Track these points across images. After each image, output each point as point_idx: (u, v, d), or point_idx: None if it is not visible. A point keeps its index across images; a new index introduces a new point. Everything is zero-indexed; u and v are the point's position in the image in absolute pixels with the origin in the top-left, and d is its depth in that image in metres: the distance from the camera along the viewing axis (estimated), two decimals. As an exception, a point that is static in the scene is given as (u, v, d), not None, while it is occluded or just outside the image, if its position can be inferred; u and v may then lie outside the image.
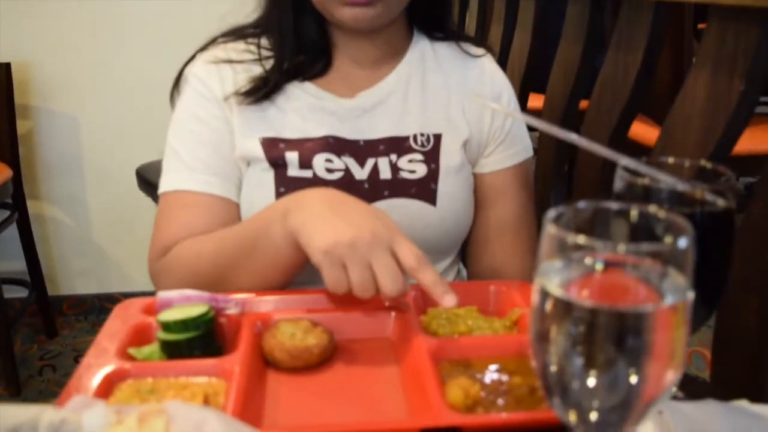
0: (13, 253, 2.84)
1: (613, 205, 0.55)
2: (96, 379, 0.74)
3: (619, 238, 0.55)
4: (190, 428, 0.59)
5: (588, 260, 0.52)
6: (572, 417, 0.54)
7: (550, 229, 0.52)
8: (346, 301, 0.90)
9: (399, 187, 1.07)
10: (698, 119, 0.88)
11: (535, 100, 1.79)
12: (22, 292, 2.87)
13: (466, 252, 1.22)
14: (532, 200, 1.19)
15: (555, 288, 0.51)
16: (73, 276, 3.09)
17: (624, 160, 0.67)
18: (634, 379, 0.50)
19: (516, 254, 1.16)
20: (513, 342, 0.81)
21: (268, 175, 1.05)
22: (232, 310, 0.85)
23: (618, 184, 0.68)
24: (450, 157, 1.10)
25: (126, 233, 3.00)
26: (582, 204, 0.55)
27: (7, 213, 2.71)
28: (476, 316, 0.89)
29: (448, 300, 0.81)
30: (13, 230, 2.73)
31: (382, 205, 1.05)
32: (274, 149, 1.06)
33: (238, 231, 0.97)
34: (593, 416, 0.53)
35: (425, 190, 1.08)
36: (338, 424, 0.70)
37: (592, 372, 0.51)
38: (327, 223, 0.82)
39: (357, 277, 0.80)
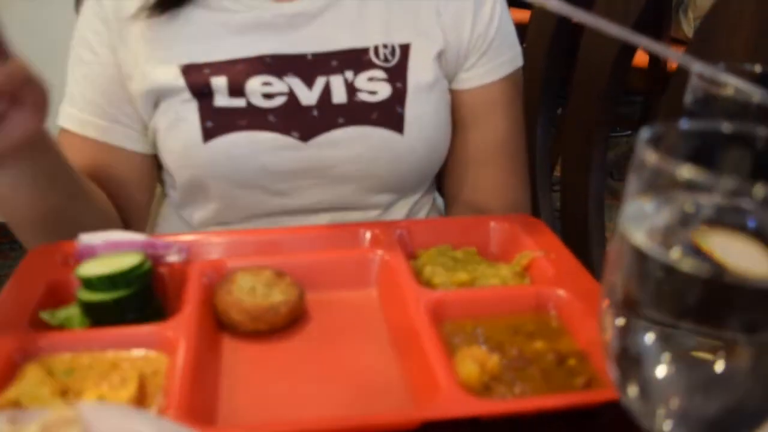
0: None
1: (730, 127, 0.37)
2: None
3: (740, 172, 0.37)
4: (114, 447, 0.40)
5: (699, 202, 0.35)
6: (659, 421, 0.37)
7: (647, 157, 0.34)
8: (318, 242, 0.71)
9: (357, 113, 0.87)
10: (748, 20, 0.70)
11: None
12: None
13: (441, 182, 1.03)
14: (522, 121, 1.00)
15: (646, 239, 0.34)
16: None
17: (697, 66, 0.48)
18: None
19: (502, 187, 0.98)
20: (529, 295, 0.64)
21: (190, 108, 0.85)
22: (173, 258, 0.67)
23: (691, 97, 0.50)
24: (420, 72, 0.90)
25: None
26: (685, 123, 0.37)
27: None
28: (477, 261, 0.71)
29: None
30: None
31: (337, 134, 0.86)
32: (195, 74, 0.86)
33: None
34: (693, 423, 0.36)
35: (390, 114, 0.88)
36: (316, 420, 0.52)
37: (699, 361, 0.35)
38: None
39: None
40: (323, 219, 0.90)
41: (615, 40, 0.95)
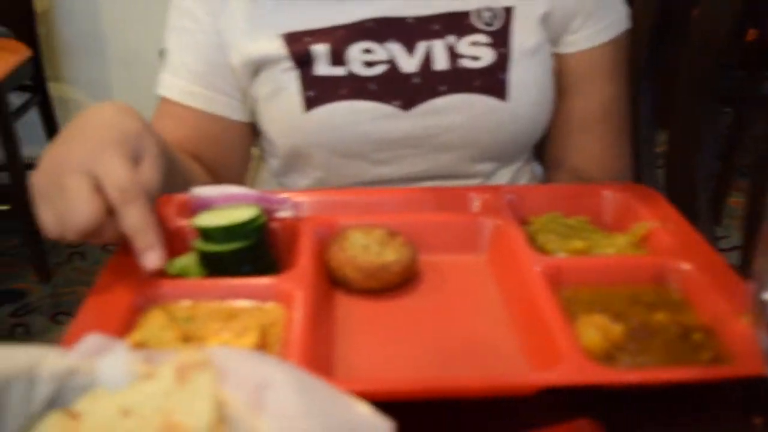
0: (35, 138, 2.65)
1: None
2: (117, 301, 0.56)
3: None
4: (249, 392, 0.40)
5: None
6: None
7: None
8: (427, 205, 0.70)
9: (459, 80, 0.85)
10: None
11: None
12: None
13: (541, 150, 1.00)
14: (626, 86, 0.96)
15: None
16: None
17: None
18: None
19: (605, 155, 0.95)
20: (649, 266, 0.62)
21: (291, 77, 0.84)
22: (285, 213, 0.67)
23: None
24: (524, 36, 0.87)
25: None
26: None
27: (27, 96, 2.52)
28: (591, 229, 0.69)
29: (148, 260, 0.58)
30: (35, 114, 2.55)
31: (439, 102, 0.84)
32: (296, 43, 0.85)
33: None
34: None
35: (493, 81, 0.85)
36: (434, 379, 0.51)
37: None
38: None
39: (44, 210, 0.60)
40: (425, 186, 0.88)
41: (732, 8, 0.90)
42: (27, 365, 0.42)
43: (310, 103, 0.83)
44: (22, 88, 2.52)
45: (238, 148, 0.93)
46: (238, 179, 0.94)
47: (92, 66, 2.76)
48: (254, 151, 0.98)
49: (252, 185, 0.99)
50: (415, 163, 0.87)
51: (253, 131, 0.93)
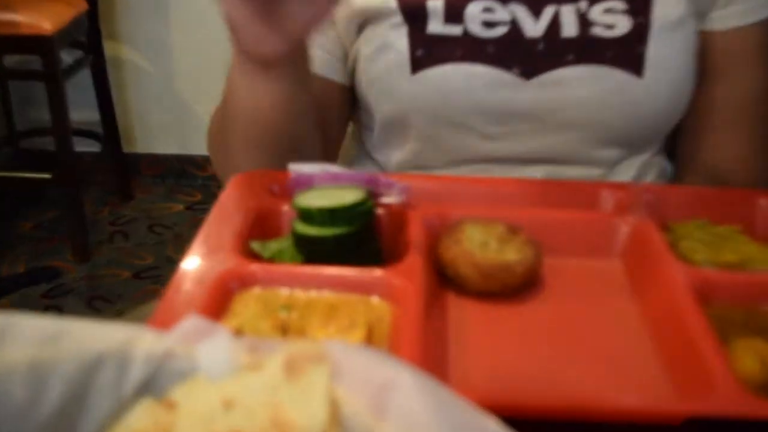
0: (86, 101, 2.74)
1: None
2: (208, 283, 0.57)
3: None
4: (370, 393, 0.41)
5: None
6: None
7: None
8: (553, 200, 0.70)
9: (590, 50, 0.85)
10: None
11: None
12: (94, 146, 2.79)
13: (672, 143, 0.99)
14: None
15: None
16: (151, 132, 3.00)
17: None
18: None
19: (749, 153, 0.94)
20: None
21: (400, 33, 0.85)
22: (393, 198, 0.67)
23: None
24: (667, 6, 0.86)
25: (214, 85, 2.82)
26: None
27: (80, 54, 2.59)
28: (743, 240, 0.68)
29: None
30: (86, 75, 2.63)
31: (564, 73, 0.84)
32: None
33: None
34: None
35: (628, 53, 0.85)
36: (564, 398, 0.51)
37: None
38: None
39: None
40: (536, 172, 0.89)
41: None
42: (121, 344, 0.44)
43: (419, 63, 0.84)
44: (75, 45, 2.58)
45: (332, 112, 0.94)
46: (332, 148, 0.96)
47: (153, 25, 2.84)
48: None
49: (344, 163, 1.00)
50: (530, 141, 0.87)
51: (349, 99, 0.94)
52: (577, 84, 0.83)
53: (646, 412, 0.50)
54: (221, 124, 0.87)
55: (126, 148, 2.89)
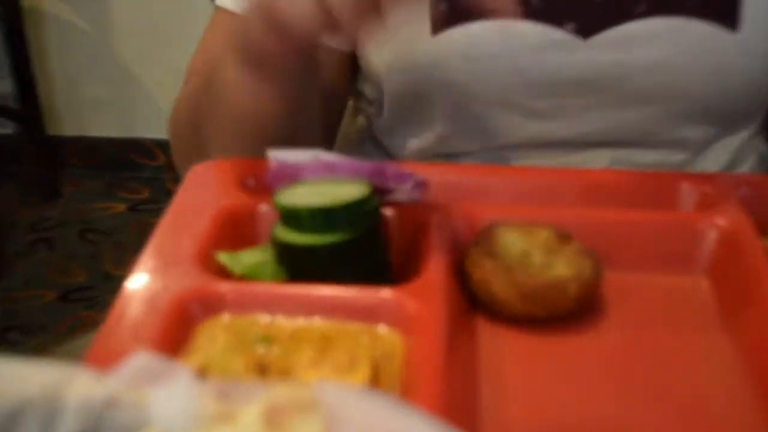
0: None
1: None
2: (161, 308, 0.58)
3: None
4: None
5: None
6: None
7: None
8: (618, 194, 0.72)
9: None
10: None
11: None
12: (7, 127, 2.84)
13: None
14: None
15: None
16: (83, 109, 3.03)
17: None
18: None
19: None
20: None
21: None
22: (406, 195, 0.69)
23: None
24: None
25: (164, 49, 2.89)
26: None
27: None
28: None
29: None
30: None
31: (633, 28, 0.87)
32: None
33: None
34: None
35: (719, 2, 0.87)
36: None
37: None
38: None
39: None
40: (600, 158, 0.91)
41: None
42: (48, 389, 0.45)
43: (441, 21, 0.86)
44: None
45: (330, 85, 0.95)
46: (327, 131, 0.97)
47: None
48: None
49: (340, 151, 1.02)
50: (590, 118, 0.89)
51: (349, 71, 0.96)
52: (650, 42, 0.85)
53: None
54: (197, 113, 0.89)
55: (50, 130, 2.93)
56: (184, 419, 0.44)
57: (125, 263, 2.39)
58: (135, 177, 2.98)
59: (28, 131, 2.82)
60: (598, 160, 0.90)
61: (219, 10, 0.96)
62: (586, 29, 0.85)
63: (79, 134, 3.06)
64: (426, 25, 0.86)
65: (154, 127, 2.99)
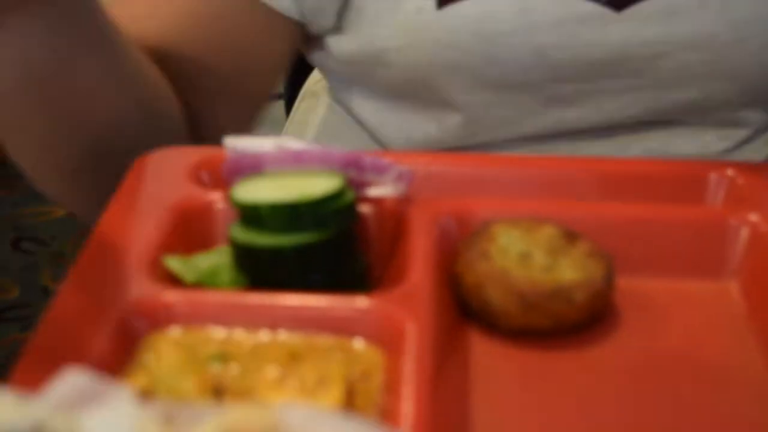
0: None
1: None
2: (100, 321, 0.59)
3: None
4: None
5: None
6: None
7: None
8: (635, 186, 0.74)
9: None
10: None
11: None
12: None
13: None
14: None
15: None
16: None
17: None
18: None
19: None
20: None
21: None
22: (386, 189, 0.69)
23: None
24: None
25: None
26: None
27: None
28: None
29: None
30: None
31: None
32: None
33: None
34: None
35: None
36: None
37: None
38: None
39: None
40: (631, 149, 0.92)
41: None
42: None
43: None
44: None
45: (266, 64, 0.96)
46: (246, 118, 0.99)
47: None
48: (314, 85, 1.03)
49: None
50: (622, 103, 0.91)
51: (293, 44, 0.96)
52: (692, 14, 0.86)
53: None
54: None
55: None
56: None
57: (63, 275, 2.40)
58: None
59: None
60: (628, 151, 0.91)
61: None
62: (620, 1, 0.86)
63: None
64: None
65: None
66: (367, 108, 0.98)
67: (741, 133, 0.92)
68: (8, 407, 0.45)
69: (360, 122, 1.00)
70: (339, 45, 0.94)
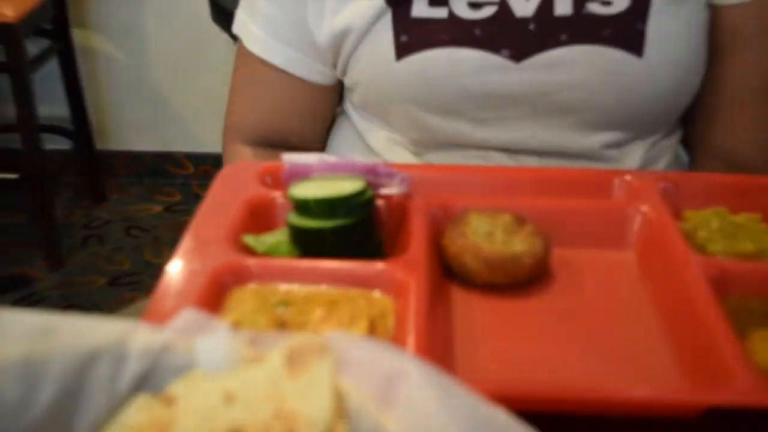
0: (54, 96, 2.74)
1: None
2: (200, 279, 0.59)
3: None
4: (376, 384, 0.43)
5: None
6: None
7: None
8: (560, 188, 0.73)
9: (585, 28, 0.85)
10: None
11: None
12: (64, 144, 2.80)
13: (687, 126, 1.00)
14: None
15: None
16: (126, 128, 3.00)
17: None
18: None
19: (764, 135, 0.95)
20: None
21: (384, 19, 0.88)
22: (394, 189, 0.69)
23: None
24: None
25: (194, 77, 2.87)
26: None
27: (47, 43, 2.60)
28: (763, 230, 0.70)
29: None
30: (54, 66, 2.63)
31: (553, 55, 0.86)
32: None
33: None
34: None
35: (626, 31, 0.86)
36: (581, 388, 0.54)
37: None
38: None
39: None
40: (534, 162, 0.91)
41: None
42: (116, 339, 0.45)
43: (403, 49, 0.86)
44: (41, 33, 2.58)
45: (319, 112, 0.99)
46: (315, 144, 1.01)
47: (125, 11, 2.83)
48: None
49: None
50: (524, 126, 0.89)
51: (336, 95, 0.99)
52: (571, 66, 0.85)
53: (662, 403, 0.52)
54: None
55: (99, 146, 2.89)
56: (223, 361, 0.45)
57: (162, 253, 2.39)
58: (169, 184, 2.96)
59: (80, 147, 2.78)
60: (530, 162, 0.91)
61: (245, 53, 0.97)
62: (519, 55, 0.85)
63: (123, 149, 3.02)
64: (391, 52, 0.87)
65: (185, 143, 2.97)
66: (355, 121, 0.99)
67: (609, 145, 0.91)
68: (145, 332, 0.46)
69: (355, 128, 1.01)
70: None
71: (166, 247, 2.58)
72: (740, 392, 0.51)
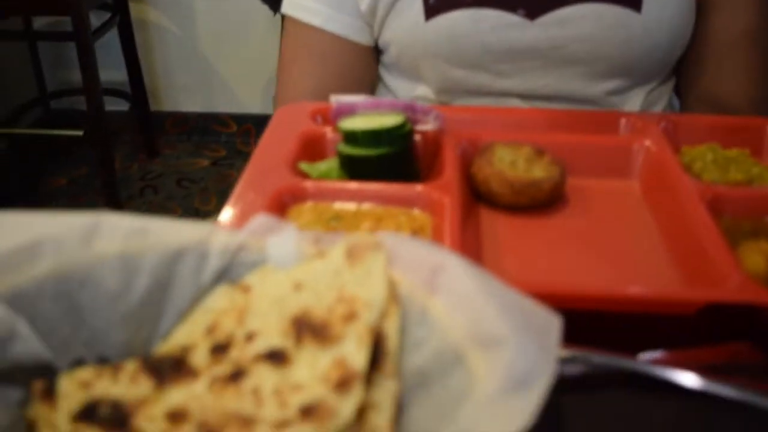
0: (114, 62, 2.76)
1: None
2: (265, 198, 0.61)
3: None
4: (422, 275, 0.45)
5: None
6: None
7: None
8: (574, 126, 0.74)
9: None
10: None
11: None
12: (122, 105, 2.82)
13: (678, 75, 1.01)
14: None
15: None
16: (176, 91, 3.02)
17: None
18: None
19: (746, 82, 0.96)
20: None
21: None
22: (429, 125, 0.71)
23: None
24: None
25: (237, 47, 2.88)
26: None
27: (107, 15, 2.62)
28: (751, 163, 0.71)
29: None
30: (114, 36, 2.65)
31: (564, 13, 0.87)
32: None
33: None
34: None
35: None
36: (594, 287, 0.56)
37: None
38: None
39: None
40: (546, 107, 0.92)
41: None
42: (199, 238, 0.47)
43: (431, 10, 0.87)
44: (103, 7, 2.61)
45: (360, 72, 0.99)
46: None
47: (176, -13, 2.84)
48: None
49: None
50: (539, 76, 0.90)
51: (374, 57, 0.99)
52: (579, 22, 0.86)
53: (665, 299, 0.53)
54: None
55: (153, 107, 2.91)
56: (291, 257, 0.47)
57: (209, 202, 2.40)
58: (215, 141, 2.98)
59: (136, 108, 2.81)
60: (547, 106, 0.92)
61: (297, 29, 0.97)
62: (533, 13, 0.86)
63: (174, 110, 3.04)
64: (421, 14, 0.88)
65: (229, 104, 2.99)
66: (385, 75, 1.00)
67: (615, 92, 0.92)
68: (223, 234, 0.47)
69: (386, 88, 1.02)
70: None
71: (213, 196, 2.61)
72: (733, 291, 0.52)
